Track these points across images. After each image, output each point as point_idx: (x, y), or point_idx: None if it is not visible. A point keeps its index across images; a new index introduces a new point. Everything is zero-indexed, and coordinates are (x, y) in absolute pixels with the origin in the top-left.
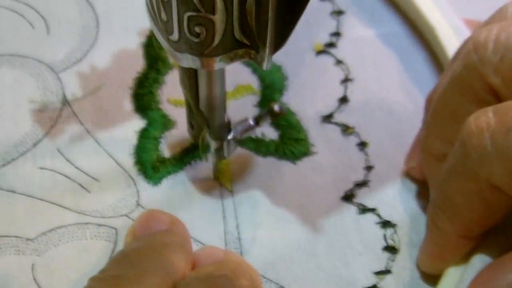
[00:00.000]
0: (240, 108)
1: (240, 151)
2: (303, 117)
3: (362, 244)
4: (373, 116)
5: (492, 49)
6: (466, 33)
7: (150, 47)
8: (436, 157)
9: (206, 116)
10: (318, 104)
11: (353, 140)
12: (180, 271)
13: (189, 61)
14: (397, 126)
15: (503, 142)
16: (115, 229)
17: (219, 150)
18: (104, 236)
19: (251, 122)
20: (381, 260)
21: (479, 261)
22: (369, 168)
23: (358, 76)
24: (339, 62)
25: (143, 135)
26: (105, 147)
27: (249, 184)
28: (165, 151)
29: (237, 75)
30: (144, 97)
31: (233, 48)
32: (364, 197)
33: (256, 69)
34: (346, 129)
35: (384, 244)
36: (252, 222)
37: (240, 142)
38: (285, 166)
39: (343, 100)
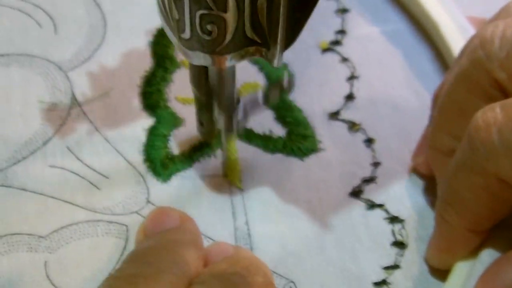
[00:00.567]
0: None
1: (248, 148)
2: (310, 114)
3: (371, 239)
4: (379, 113)
5: (498, 45)
6: (470, 30)
7: (158, 46)
8: (444, 152)
9: (215, 91)
10: (324, 101)
11: (359, 136)
12: (193, 269)
13: (201, 59)
14: (403, 123)
15: (510, 136)
16: (126, 226)
17: (229, 124)
18: (115, 233)
19: (260, 97)
20: (389, 255)
21: (488, 256)
22: (376, 164)
23: (363, 73)
24: (344, 59)
25: (152, 132)
26: (114, 144)
27: (258, 181)
28: (174, 148)
29: (244, 72)
30: (152, 95)
31: (244, 45)
32: (372, 193)
33: (263, 67)
34: (352, 126)
35: (392, 239)
36: (262, 218)
37: (247, 119)
38: (293, 162)
39: (349, 97)
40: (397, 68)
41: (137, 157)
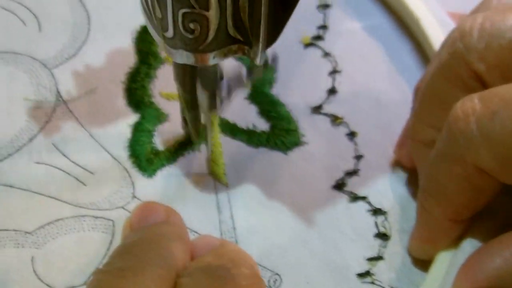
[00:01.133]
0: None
1: (232, 142)
2: (293, 109)
3: (354, 231)
4: (361, 106)
5: (477, 37)
6: (451, 24)
7: (141, 42)
8: (424, 143)
9: (198, 68)
10: (307, 95)
11: (342, 130)
12: (180, 261)
13: (184, 57)
14: (385, 116)
15: (488, 126)
16: (112, 221)
17: (212, 101)
18: (101, 228)
19: (244, 73)
20: (373, 246)
21: (469, 245)
22: (358, 157)
23: (345, 67)
24: (326, 54)
25: (137, 128)
26: (99, 140)
27: (242, 175)
28: (159, 143)
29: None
30: (136, 91)
31: (227, 43)
32: (355, 186)
33: (246, 62)
34: (335, 120)
35: (375, 231)
36: (246, 212)
37: (231, 93)
38: (277, 156)
39: (332, 91)
40: (379, 62)
41: (122, 153)
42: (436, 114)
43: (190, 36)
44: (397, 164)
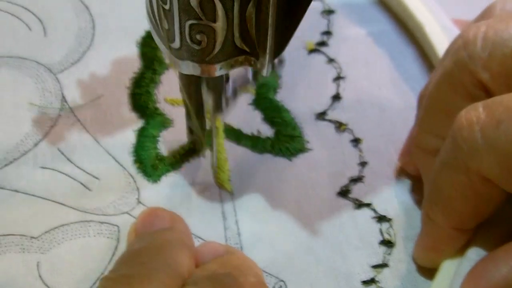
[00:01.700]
0: (236, 106)
1: (236, 148)
2: (297, 115)
3: (359, 238)
4: (365, 113)
5: (481, 45)
6: (455, 31)
7: (146, 48)
8: (429, 152)
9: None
10: (311, 101)
11: (346, 136)
12: (185, 269)
13: (190, 68)
14: (389, 123)
15: (493, 135)
16: (117, 226)
17: (217, 103)
18: (106, 234)
19: (250, 74)
20: (377, 254)
21: (475, 254)
22: (363, 164)
23: (350, 74)
24: (331, 60)
25: (142, 133)
26: (104, 146)
27: (247, 181)
28: (164, 149)
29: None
30: (141, 96)
31: (233, 55)
32: (360, 193)
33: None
34: (339, 126)
35: (380, 238)
36: (251, 218)
37: (236, 94)
38: (281, 162)
39: (336, 97)
40: (383, 69)
41: (127, 158)
42: (440, 122)
43: (197, 47)
44: (402, 171)
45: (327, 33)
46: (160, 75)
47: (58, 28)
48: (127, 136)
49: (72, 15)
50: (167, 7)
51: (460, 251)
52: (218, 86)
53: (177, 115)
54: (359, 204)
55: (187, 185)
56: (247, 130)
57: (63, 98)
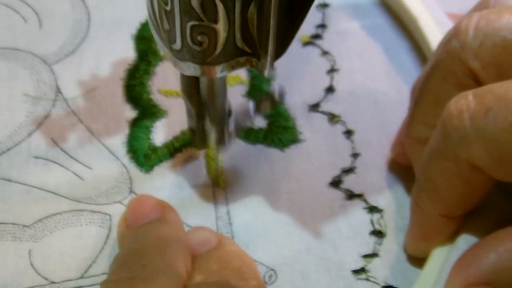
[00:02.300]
0: (230, 97)
1: None
2: (291, 106)
3: (350, 228)
4: (358, 105)
5: (472, 35)
6: (449, 25)
7: (141, 40)
8: (420, 141)
9: (206, 103)
10: (305, 93)
11: (339, 128)
12: (184, 269)
13: (191, 69)
14: (382, 115)
15: (482, 123)
16: (109, 215)
17: (220, 137)
18: (98, 222)
19: (252, 109)
20: (368, 244)
21: (464, 242)
22: (355, 155)
23: (343, 66)
24: (325, 53)
25: (135, 124)
26: (98, 136)
27: (239, 171)
28: (157, 139)
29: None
30: (135, 88)
31: (235, 56)
32: (351, 183)
33: (252, 95)
34: (332, 118)
35: (371, 228)
36: (243, 208)
37: (239, 130)
38: (274, 153)
39: (329, 89)
40: (377, 61)
41: (120, 148)
42: (431, 111)
43: (198, 49)
44: (394, 162)
45: (322, 26)
46: (155, 66)
47: (54, 20)
48: (120, 127)
49: (67, 7)
50: (168, 8)
51: (449, 240)
52: (220, 120)
53: (171, 106)
54: (351, 195)
55: (179, 175)
56: (251, 119)
57: (58, 89)
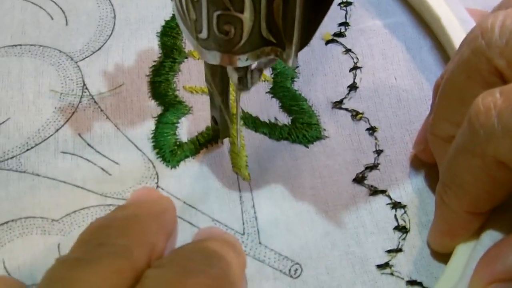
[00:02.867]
0: (253, 94)
1: (254, 135)
2: (315, 103)
3: (374, 224)
4: (381, 102)
5: (498, 33)
6: (471, 22)
7: (166, 37)
8: (444, 139)
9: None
10: (328, 91)
11: (363, 125)
12: (150, 251)
13: (217, 58)
14: (405, 112)
15: (509, 120)
16: None
17: (242, 79)
18: None
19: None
20: (392, 239)
21: (489, 238)
22: (379, 152)
23: (366, 64)
24: (348, 50)
25: (161, 120)
26: (124, 132)
27: (264, 167)
28: (182, 135)
29: None
30: (161, 84)
31: (260, 45)
32: (375, 180)
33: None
34: (356, 115)
35: (395, 224)
36: (268, 203)
37: (261, 73)
38: (298, 149)
39: (352, 87)
40: (399, 59)
41: (147, 144)
42: (456, 109)
43: (224, 38)
44: (416, 159)
45: (345, 24)
46: (180, 64)
47: (80, 17)
48: (146, 123)
49: (93, 4)
50: None
51: (474, 236)
52: (243, 68)
53: (196, 102)
54: (375, 191)
55: (205, 170)
56: (264, 117)
57: (84, 86)
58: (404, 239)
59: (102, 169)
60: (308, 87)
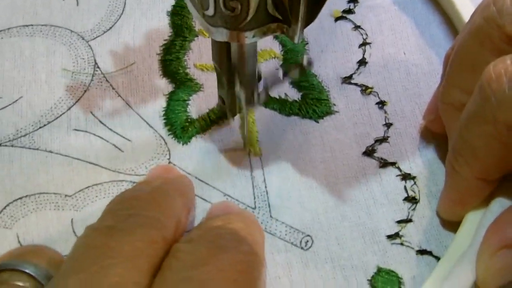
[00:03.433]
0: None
1: (264, 111)
2: (324, 79)
3: (384, 195)
4: (391, 77)
5: (509, 1)
6: None
7: (176, 16)
8: (455, 106)
9: (237, 67)
10: (337, 67)
11: (372, 99)
12: (177, 223)
13: (224, 35)
14: (414, 86)
15: None
16: None
17: (249, 98)
18: None
19: (281, 74)
20: (402, 210)
21: (498, 205)
22: (388, 125)
23: (375, 40)
24: (357, 27)
25: (172, 98)
26: (136, 109)
27: (275, 142)
28: (193, 112)
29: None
30: (172, 62)
31: (266, 22)
32: (385, 152)
33: (277, 35)
34: (365, 89)
35: (405, 195)
36: (279, 177)
37: (268, 93)
38: (309, 124)
39: (362, 62)
40: (409, 35)
41: (158, 121)
42: (467, 77)
43: (231, 14)
44: (426, 130)
45: (354, 1)
46: (190, 42)
47: None
48: (158, 101)
49: None
50: None
51: (484, 204)
52: (251, 84)
53: (207, 80)
54: (384, 163)
55: (216, 146)
56: (275, 93)
57: (96, 64)
58: (414, 209)
59: (115, 145)
60: (318, 64)
